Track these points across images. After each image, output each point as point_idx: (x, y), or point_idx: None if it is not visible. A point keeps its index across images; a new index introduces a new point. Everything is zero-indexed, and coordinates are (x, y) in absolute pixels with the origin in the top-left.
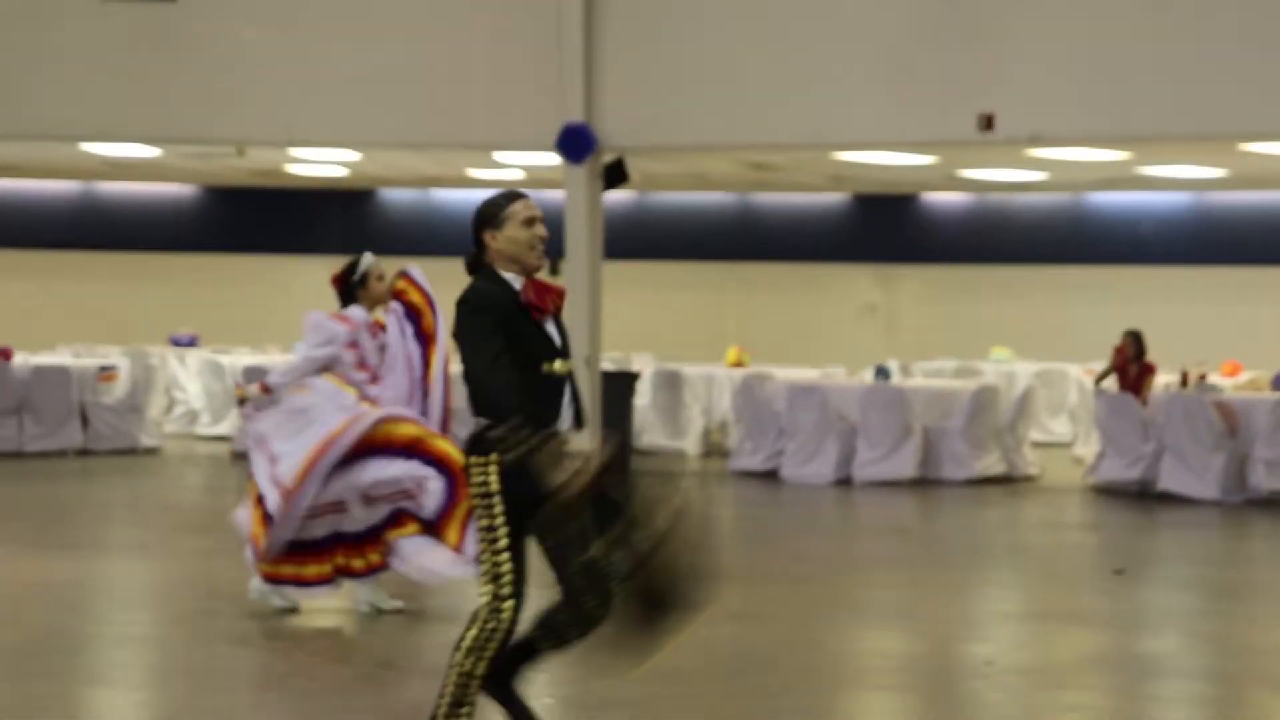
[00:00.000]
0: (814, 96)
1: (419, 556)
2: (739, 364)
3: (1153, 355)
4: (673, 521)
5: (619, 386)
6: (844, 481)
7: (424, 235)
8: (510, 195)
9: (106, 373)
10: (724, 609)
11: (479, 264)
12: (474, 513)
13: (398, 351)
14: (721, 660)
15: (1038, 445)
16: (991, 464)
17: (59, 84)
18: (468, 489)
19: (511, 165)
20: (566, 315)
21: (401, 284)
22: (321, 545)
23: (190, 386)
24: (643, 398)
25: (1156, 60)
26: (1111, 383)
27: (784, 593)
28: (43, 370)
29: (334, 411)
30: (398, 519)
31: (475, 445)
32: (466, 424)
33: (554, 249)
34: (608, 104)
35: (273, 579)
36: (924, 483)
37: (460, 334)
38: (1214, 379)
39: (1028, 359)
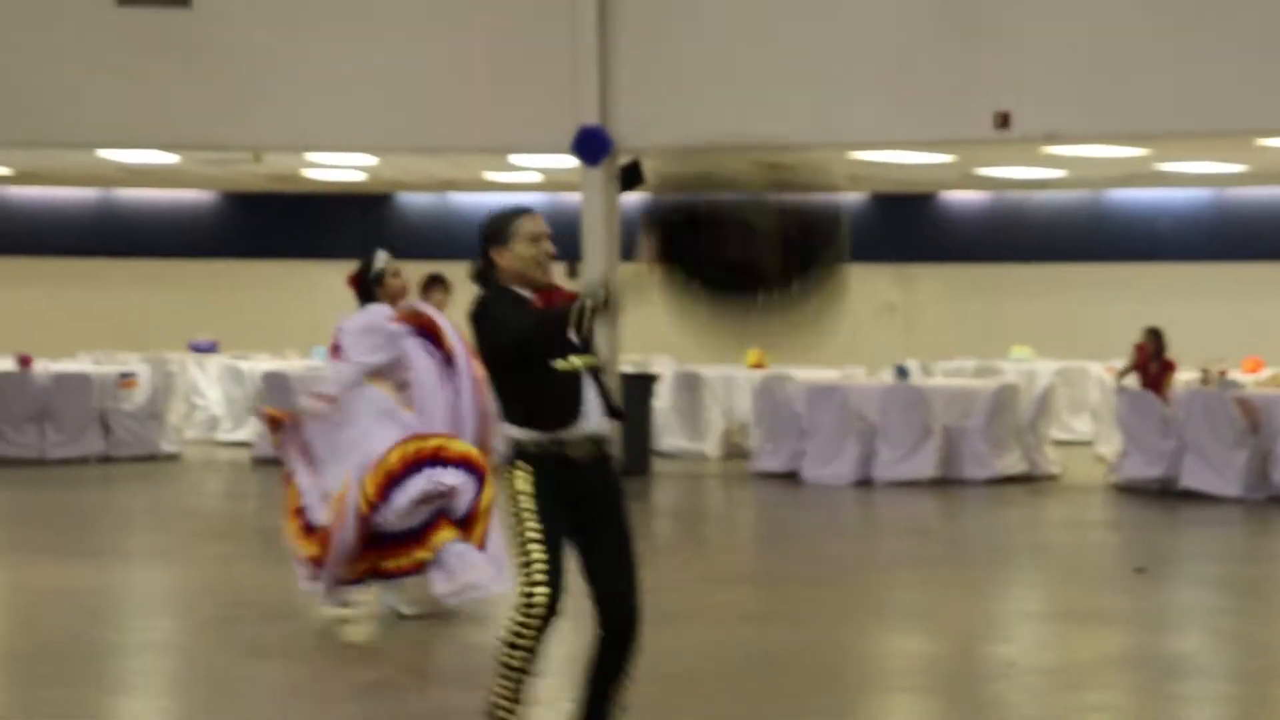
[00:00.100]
0: (831, 96)
1: (464, 571)
2: (759, 365)
3: (1172, 352)
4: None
5: (638, 389)
6: (864, 482)
7: (442, 239)
8: (516, 211)
9: (127, 379)
10: (744, 610)
11: (486, 275)
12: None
13: (425, 365)
14: (742, 662)
15: (1059, 444)
16: (1012, 463)
17: (73, 90)
18: (491, 487)
19: (528, 168)
20: None
21: (408, 314)
22: (359, 547)
23: (210, 393)
24: (663, 400)
25: (1172, 56)
26: (1133, 380)
27: (805, 594)
28: (63, 377)
29: (382, 426)
30: (435, 521)
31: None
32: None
33: (572, 251)
34: (622, 105)
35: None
36: (945, 483)
37: (481, 344)
38: (1235, 375)
39: (1048, 357)
